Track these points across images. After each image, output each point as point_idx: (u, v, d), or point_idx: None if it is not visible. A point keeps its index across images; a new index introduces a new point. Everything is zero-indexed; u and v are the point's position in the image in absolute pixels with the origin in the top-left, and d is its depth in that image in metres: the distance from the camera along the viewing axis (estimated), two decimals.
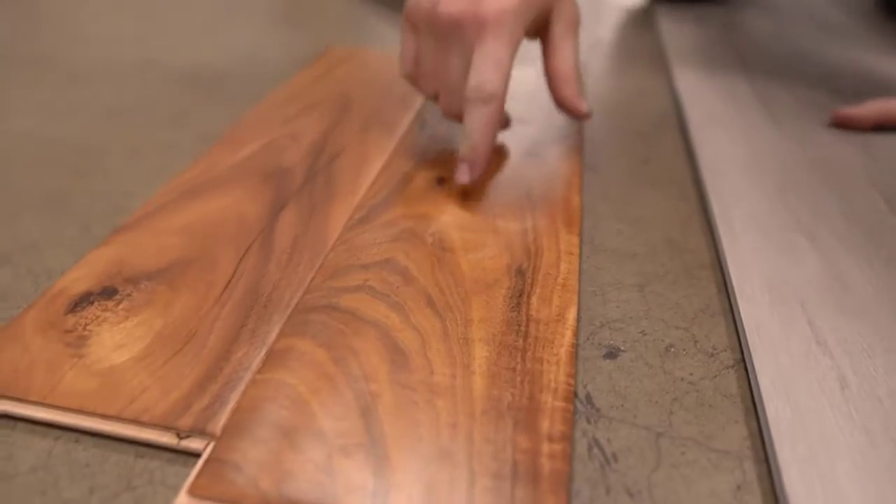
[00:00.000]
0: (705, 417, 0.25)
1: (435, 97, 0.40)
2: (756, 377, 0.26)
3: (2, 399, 0.24)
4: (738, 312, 0.29)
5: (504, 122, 0.44)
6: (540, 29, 0.39)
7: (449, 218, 0.35)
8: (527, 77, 0.55)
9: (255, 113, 0.46)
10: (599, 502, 0.22)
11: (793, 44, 0.64)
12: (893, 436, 0.23)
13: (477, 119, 0.35)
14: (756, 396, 0.25)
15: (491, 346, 0.26)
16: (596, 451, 0.23)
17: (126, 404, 0.24)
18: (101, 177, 0.39)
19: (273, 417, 0.23)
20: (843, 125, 0.46)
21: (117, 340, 0.26)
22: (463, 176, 0.36)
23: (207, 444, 0.23)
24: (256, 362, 0.26)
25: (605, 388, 0.26)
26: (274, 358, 0.26)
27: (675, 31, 0.68)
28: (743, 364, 0.27)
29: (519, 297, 0.29)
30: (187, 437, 0.23)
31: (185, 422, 0.23)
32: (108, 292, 0.29)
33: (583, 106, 0.39)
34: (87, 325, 0.27)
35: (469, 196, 0.37)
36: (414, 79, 0.40)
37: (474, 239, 0.33)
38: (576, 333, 0.27)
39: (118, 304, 0.28)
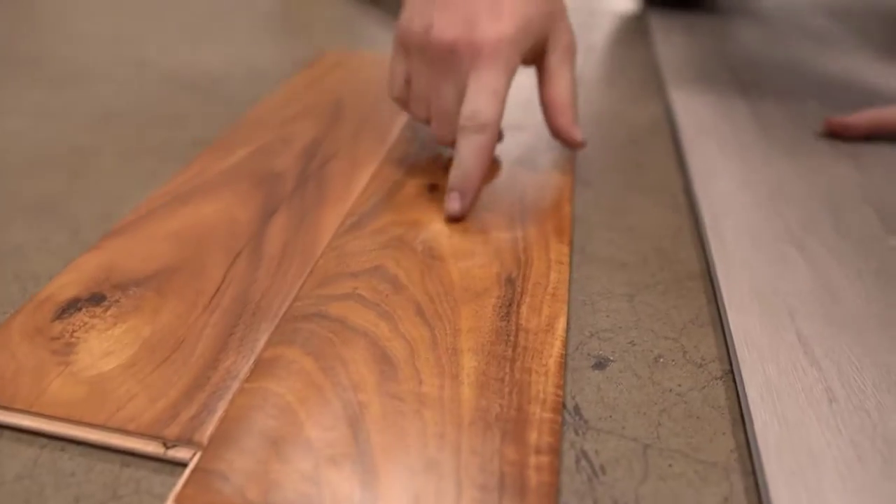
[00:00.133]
0: (693, 429, 0.25)
1: (426, 121, 0.39)
2: (744, 389, 0.26)
3: None
4: (727, 323, 0.29)
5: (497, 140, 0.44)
6: (536, 57, 0.38)
7: (439, 225, 0.35)
8: (521, 83, 0.55)
9: (249, 117, 0.46)
10: None
11: (783, 53, 0.65)
12: (881, 449, 0.23)
13: (470, 147, 0.34)
14: (744, 408, 0.25)
15: (480, 356, 0.26)
16: (584, 463, 0.23)
17: (113, 413, 0.23)
18: (94, 180, 0.39)
19: (260, 427, 0.23)
20: (836, 133, 0.46)
21: (105, 348, 0.26)
22: (453, 204, 0.35)
23: (194, 454, 0.22)
24: (244, 371, 0.26)
25: (593, 398, 0.26)
26: (262, 366, 0.25)
27: (667, 39, 0.68)
28: (731, 375, 0.27)
29: (508, 307, 0.29)
30: (174, 446, 0.23)
31: (172, 431, 0.23)
32: (96, 298, 0.29)
33: (578, 135, 0.39)
34: (74, 331, 0.27)
35: None
36: (404, 102, 0.39)
37: (464, 247, 0.33)
38: (565, 344, 0.28)
39: (106, 310, 0.28)
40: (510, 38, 0.34)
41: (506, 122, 0.47)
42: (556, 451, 0.23)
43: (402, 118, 0.47)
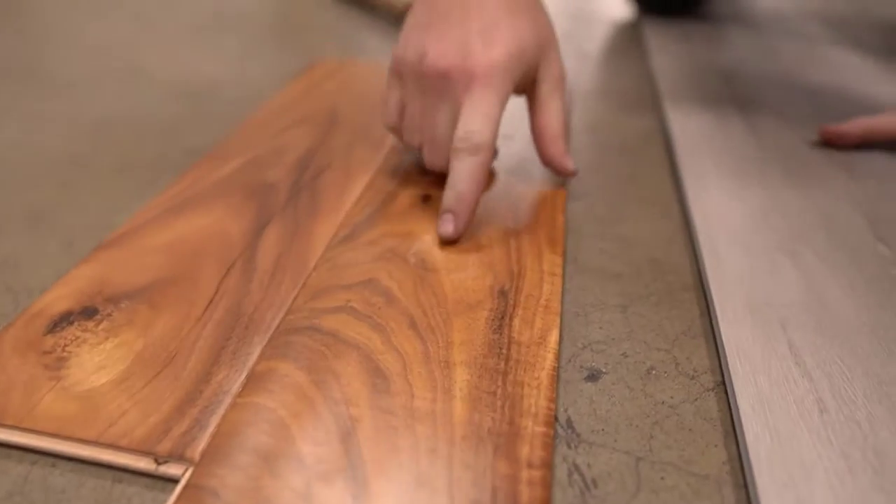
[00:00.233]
0: (685, 441, 0.25)
1: (419, 148, 0.39)
2: (736, 401, 0.26)
3: None
4: (720, 335, 0.29)
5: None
6: (527, 86, 0.39)
7: (433, 237, 0.35)
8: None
9: (243, 126, 0.46)
10: None
11: (777, 61, 0.65)
12: (871, 461, 0.23)
13: (464, 169, 0.34)
14: (736, 421, 0.25)
15: (472, 370, 0.26)
16: (576, 476, 0.23)
17: (104, 428, 0.23)
18: (87, 190, 0.39)
19: (252, 442, 0.23)
20: (830, 141, 0.47)
21: (97, 362, 0.26)
22: (447, 226, 0.34)
23: (186, 470, 0.22)
24: (237, 385, 0.26)
25: (585, 411, 0.26)
26: (254, 381, 0.25)
27: (661, 48, 0.68)
28: (723, 387, 0.28)
29: (501, 319, 0.29)
30: (165, 462, 0.23)
31: (164, 447, 0.23)
32: (88, 312, 0.29)
33: (570, 165, 0.39)
34: (66, 346, 0.27)
35: None
36: (397, 130, 0.40)
37: (457, 258, 0.33)
38: (557, 356, 0.28)
39: (98, 324, 0.28)
40: (503, 64, 0.34)
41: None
42: (548, 465, 0.23)
43: None
